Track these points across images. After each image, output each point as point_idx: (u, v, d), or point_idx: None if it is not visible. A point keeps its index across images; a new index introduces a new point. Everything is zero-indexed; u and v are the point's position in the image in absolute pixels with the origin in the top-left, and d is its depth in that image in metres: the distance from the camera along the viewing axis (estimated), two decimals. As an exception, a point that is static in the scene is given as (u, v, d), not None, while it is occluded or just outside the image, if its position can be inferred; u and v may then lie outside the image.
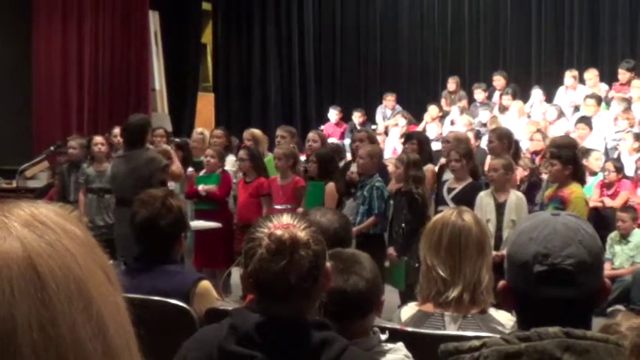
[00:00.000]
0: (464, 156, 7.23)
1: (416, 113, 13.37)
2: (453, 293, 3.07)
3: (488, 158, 7.96)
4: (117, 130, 9.06)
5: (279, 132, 9.44)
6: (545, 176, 8.16)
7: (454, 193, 7.14)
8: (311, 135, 9.54)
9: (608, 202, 8.48)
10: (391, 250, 7.22)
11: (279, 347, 2.05)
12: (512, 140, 8.09)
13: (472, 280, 3.09)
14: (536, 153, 9.82)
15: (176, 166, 7.45)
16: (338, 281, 2.48)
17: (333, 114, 13.87)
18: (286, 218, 2.14)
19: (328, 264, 2.20)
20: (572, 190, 6.60)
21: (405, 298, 6.15)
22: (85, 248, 0.82)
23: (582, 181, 7.15)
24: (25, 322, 0.74)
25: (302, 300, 2.12)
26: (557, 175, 6.72)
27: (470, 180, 7.26)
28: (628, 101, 11.14)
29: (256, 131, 9.45)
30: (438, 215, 3.41)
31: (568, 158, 6.78)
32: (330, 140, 11.34)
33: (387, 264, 7.04)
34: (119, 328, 0.82)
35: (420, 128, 12.43)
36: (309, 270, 2.09)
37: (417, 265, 6.32)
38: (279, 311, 2.08)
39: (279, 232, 2.08)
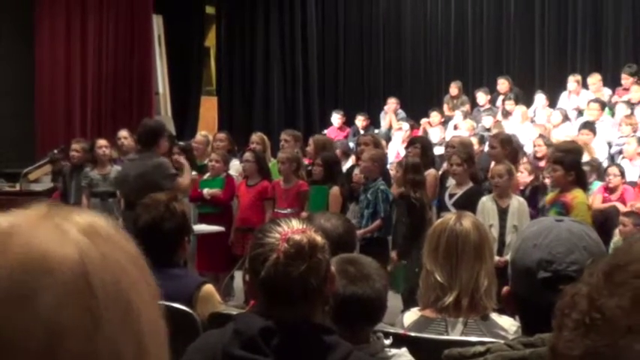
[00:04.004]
0: (466, 160, 7.24)
1: (419, 118, 13.36)
2: (450, 299, 3.07)
3: (493, 163, 7.95)
4: (123, 133, 9.05)
5: (283, 136, 9.41)
6: (548, 181, 8.15)
7: (455, 198, 7.13)
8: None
9: (618, 205, 8.41)
10: (393, 254, 7.23)
11: (284, 352, 2.05)
12: (513, 145, 8.08)
13: (469, 286, 3.09)
14: (539, 158, 9.80)
15: (185, 179, 7.41)
16: (364, 288, 2.50)
17: (336, 118, 13.86)
18: (296, 223, 2.15)
19: (332, 268, 2.21)
20: (575, 195, 6.59)
21: (406, 303, 6.15)
22: (133, 264, 0.83)
23: (585, 187, 7.14)
24: (69, 328, 0.74)
25: (315, 304, 2.13)
26: (560, 181, 6.71)
27: (471, 185, 7.26)
28: (631, 104, 11.17)
29: (265, 137, 9.45)
30: (439, 220, 3.42)
31: (571, 164, 6.78)
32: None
33: (389, 268, 7.04)
34: (159, 349, 0.82)
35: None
36: (325, 273, 2.11)
37: (416, 270, 6.35)
38: (288, 315, 2.08)
39: (297, 237, 2.09)
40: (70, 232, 0.79)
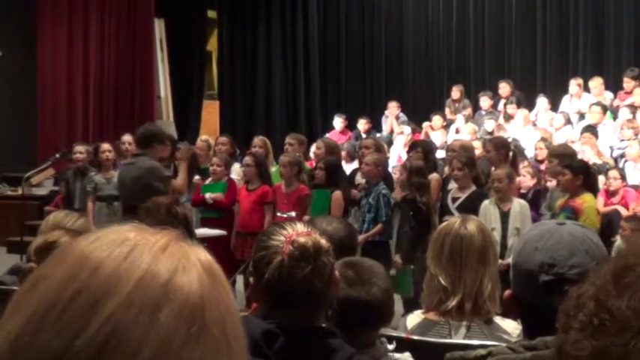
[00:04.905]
0: (466, 165, 7.24)
1: (421, 122, 13.37)
2: (453, 302, 3.07)
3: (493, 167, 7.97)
4: (127, 138, 9.07)
5: (288, 139, 9.42)
6: (550, 184, 8.16)
7: (459, 202, 7.14)
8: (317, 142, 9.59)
9: (620, 209, 8.42)
10: (397, 258, 7.23)
11: (287, 355, 2.04)
12: (509, 149, 8.09)
13: (473, 290, 3.08)
14: (540, 161, 9.81)
15: (181, 179, 7.39)
16: (359, 292, 2.49)
17: (338, 122, 13.86)
18: (301, 226, 2.16)
19: (336, 272, 2.21)
20: (584, 199, 6.58)
21: (410, 306, 6.14)
22: (234, 309, 0.88)
23: (594, 191, 7.12)
24: (178, 351, 0.78)
25: (318, 307, 2.14)
26: (568, 185, 6.70)
27: (474, 188, 7.26)
28: (634, 107, 11.17)
29: (267, 140, 9.46)
30: (444, 223, 3.41)
31: (579, 168, 6.77)
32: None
33: (392, 272, 7.03)
34: None
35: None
36: (329, 276, 2.12)
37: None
38: (291, 319, 2.08)
39: (302, 239, 2.09)
40: (196, 265, 0.85)
